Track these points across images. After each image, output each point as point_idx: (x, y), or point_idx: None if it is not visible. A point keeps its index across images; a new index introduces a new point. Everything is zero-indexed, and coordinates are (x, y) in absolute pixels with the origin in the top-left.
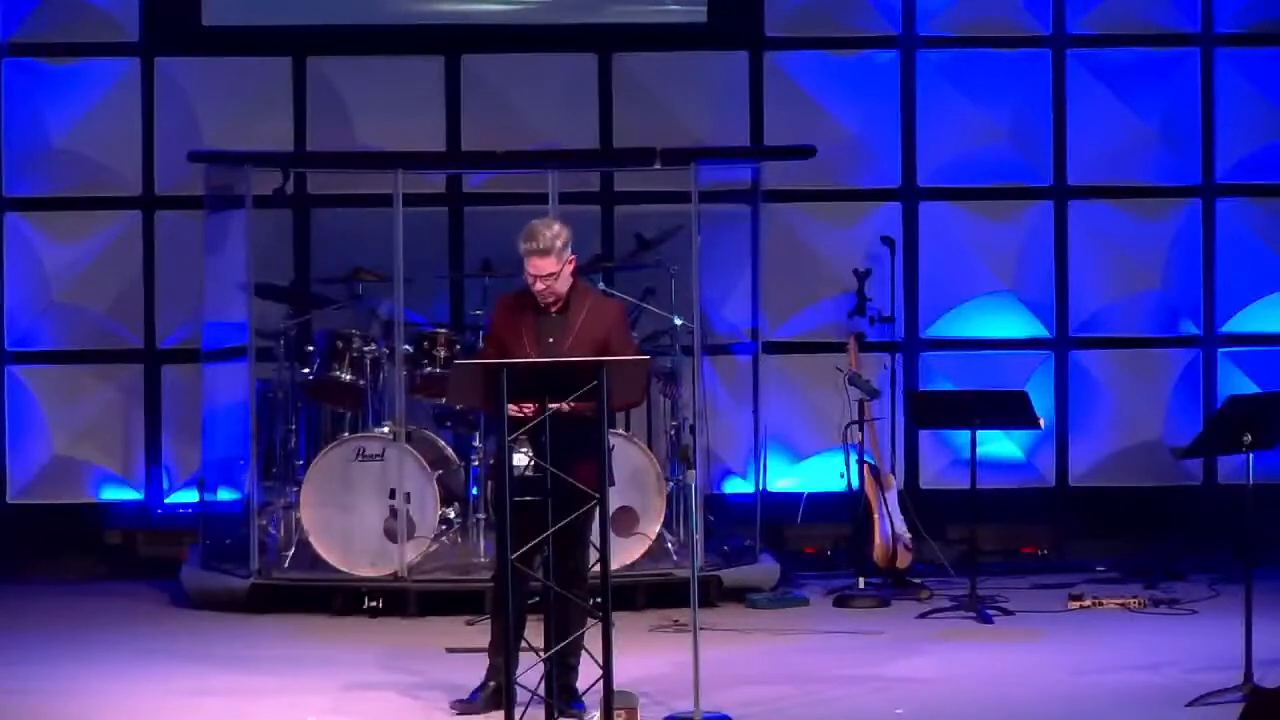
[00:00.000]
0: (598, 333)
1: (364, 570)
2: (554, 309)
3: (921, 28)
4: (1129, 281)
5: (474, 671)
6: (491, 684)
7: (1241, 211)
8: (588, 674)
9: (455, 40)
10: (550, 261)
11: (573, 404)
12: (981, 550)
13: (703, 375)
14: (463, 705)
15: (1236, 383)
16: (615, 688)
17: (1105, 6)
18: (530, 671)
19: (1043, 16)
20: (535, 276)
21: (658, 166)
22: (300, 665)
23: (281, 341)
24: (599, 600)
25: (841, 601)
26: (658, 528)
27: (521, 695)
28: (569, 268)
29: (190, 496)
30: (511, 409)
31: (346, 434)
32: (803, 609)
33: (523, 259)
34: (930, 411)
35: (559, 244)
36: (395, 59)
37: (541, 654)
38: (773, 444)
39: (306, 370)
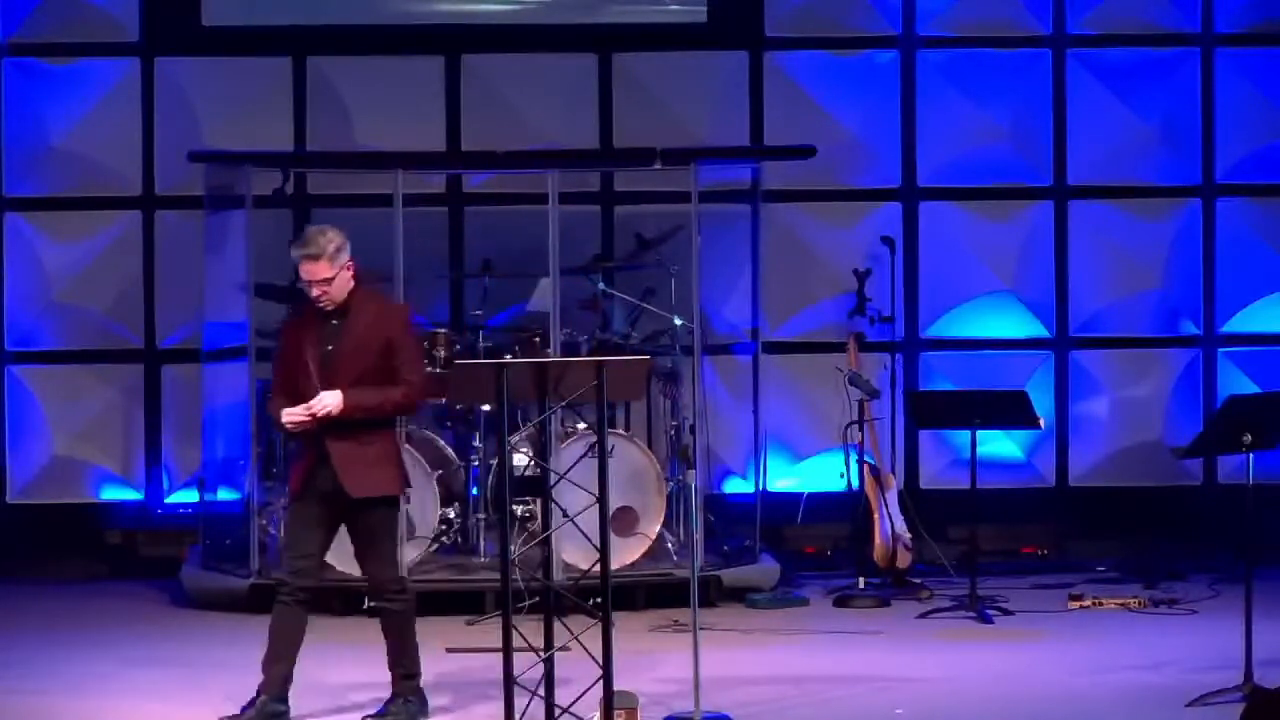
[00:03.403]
0: (377, 336)
1: None
2: (335, 316)
3: (921, 28)
4: (1129, 281)
5: (474, 671)
6: (260, 699)
7: (1241, 211)
8: (588, 674)
9: (455, 40)
10: (323, 266)
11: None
12: (981, 550)
13: (703, 375)
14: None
15: (1236, 383)
16: (615, 688)
17: (1105, 6)
18: (529, 673)
19: (1043, 16)
20: (310, 282)
21: (658, 166)
22: (300, 665)
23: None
24: (599, 600)
25: (841, 601)
26: (658, 528)
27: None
28: (346, 273)
29: (190, 496)
30: (286, 423)
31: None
32: (803, 609)
33: (297, 265)
34: (930, 411)
35: (331, 248)
36: (395, 59)
37: (541, 654)
38: (773, 444)
39: None
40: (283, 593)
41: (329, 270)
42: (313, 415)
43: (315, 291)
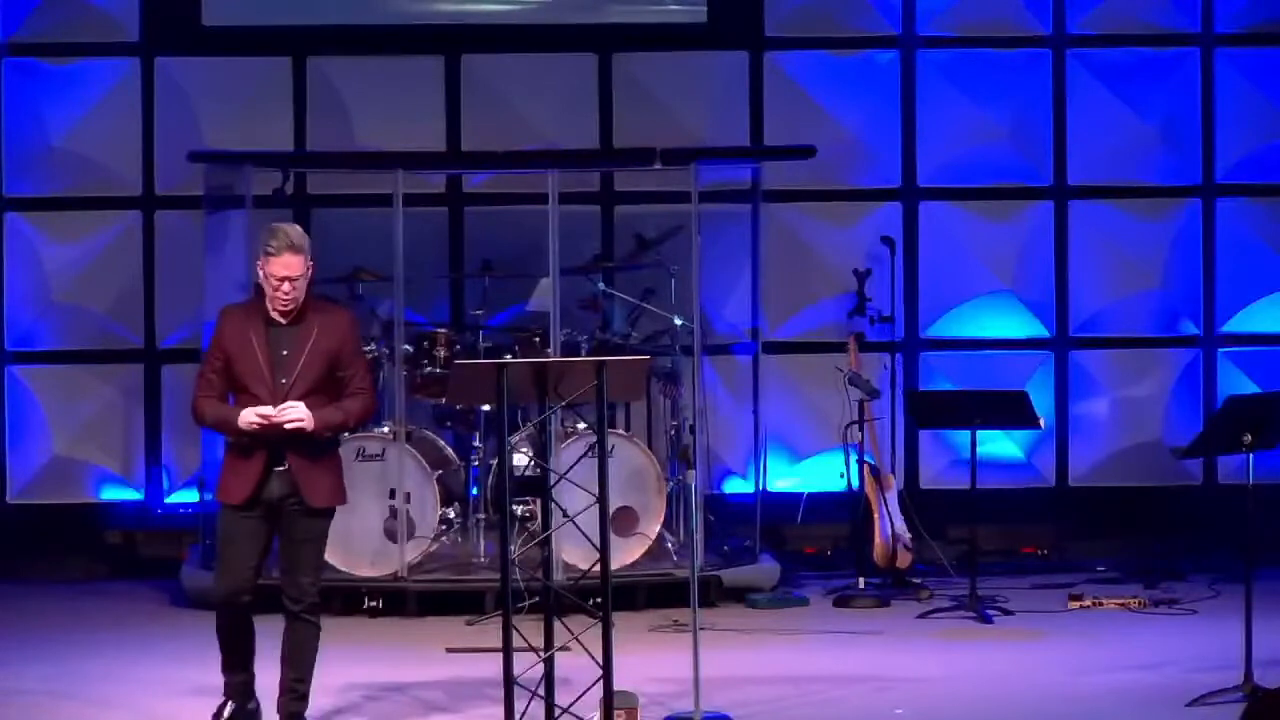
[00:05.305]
0: (331, 344)
1: (364, 570)
2: (287, 319)
3: (921, 28)
4: (1129, 281)
5: (474, 671)
6: (230, 705)
7: (1241, 211)
8: (588, 674)
9: (455, 40)
10: (300, 261)
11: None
12: (981, 550)
13: (703, 375)
14: None
15: (1236, 383)
16: (615, 688)
17: (1105, 6)
18: (527, 675)
19: (1043, 16)
20: (283, 278)
21: (658, 166)
22: None
23: None
24: (599, 600)
25: (841, 601)
26: (658, 528)
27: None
28: (309, 274)
29: (190, 496)
30: (251, 423)
31: (346, 434)
32: (803, 609)
33: (266, 260)
34: (930, 411)
35: (306, 244)
36: (395, 59)
37: (541, 654)
38: (773, 444)
39: None
40: (229, 603)
41: (302, 266)
42: (274, 424)
43: (285, 288)
